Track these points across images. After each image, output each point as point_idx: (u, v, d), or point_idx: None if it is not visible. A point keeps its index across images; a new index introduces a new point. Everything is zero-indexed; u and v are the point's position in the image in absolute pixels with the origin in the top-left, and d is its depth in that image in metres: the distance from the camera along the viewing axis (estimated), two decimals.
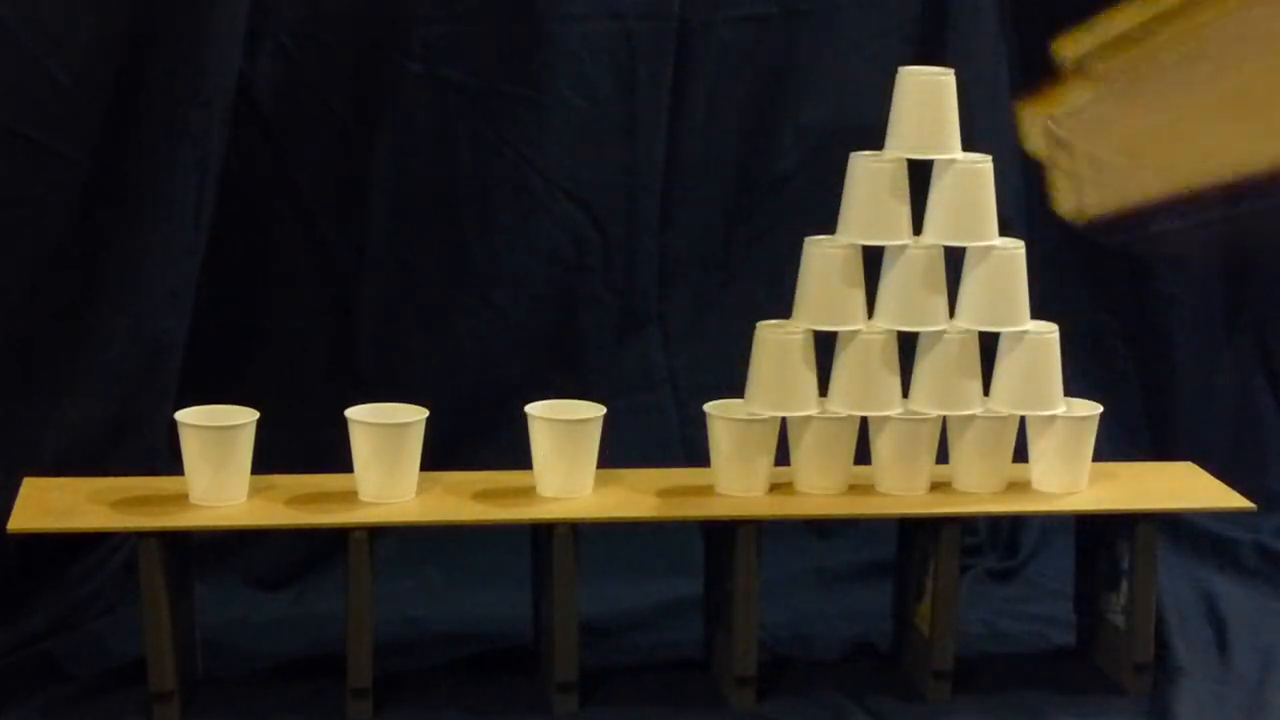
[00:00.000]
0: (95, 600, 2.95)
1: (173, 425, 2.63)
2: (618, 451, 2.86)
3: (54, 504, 2.62)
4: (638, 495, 2.69)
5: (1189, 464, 2.97)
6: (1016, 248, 2.71)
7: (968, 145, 2.69)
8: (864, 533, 3.22)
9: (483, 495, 2.69)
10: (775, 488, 2.71)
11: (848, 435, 2.71)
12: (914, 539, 2.77)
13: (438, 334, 3.21)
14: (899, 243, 2.67)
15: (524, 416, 2.67)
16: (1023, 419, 2.74)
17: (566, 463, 2.65)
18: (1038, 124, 1.18)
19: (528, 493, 2.68)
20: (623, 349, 3.28)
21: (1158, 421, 3.46)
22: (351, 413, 2.63)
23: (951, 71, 2.68)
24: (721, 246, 3.31)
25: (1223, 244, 3.41)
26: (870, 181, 2.66)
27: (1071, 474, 2.74)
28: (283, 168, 3.14)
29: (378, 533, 2.61)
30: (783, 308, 2.73)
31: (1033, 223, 3.28)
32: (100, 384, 3.00)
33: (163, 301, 3.01)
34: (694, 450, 3.03)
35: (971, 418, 2.71)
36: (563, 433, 2.64)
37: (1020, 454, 2.76)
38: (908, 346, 2.71)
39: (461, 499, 2.67)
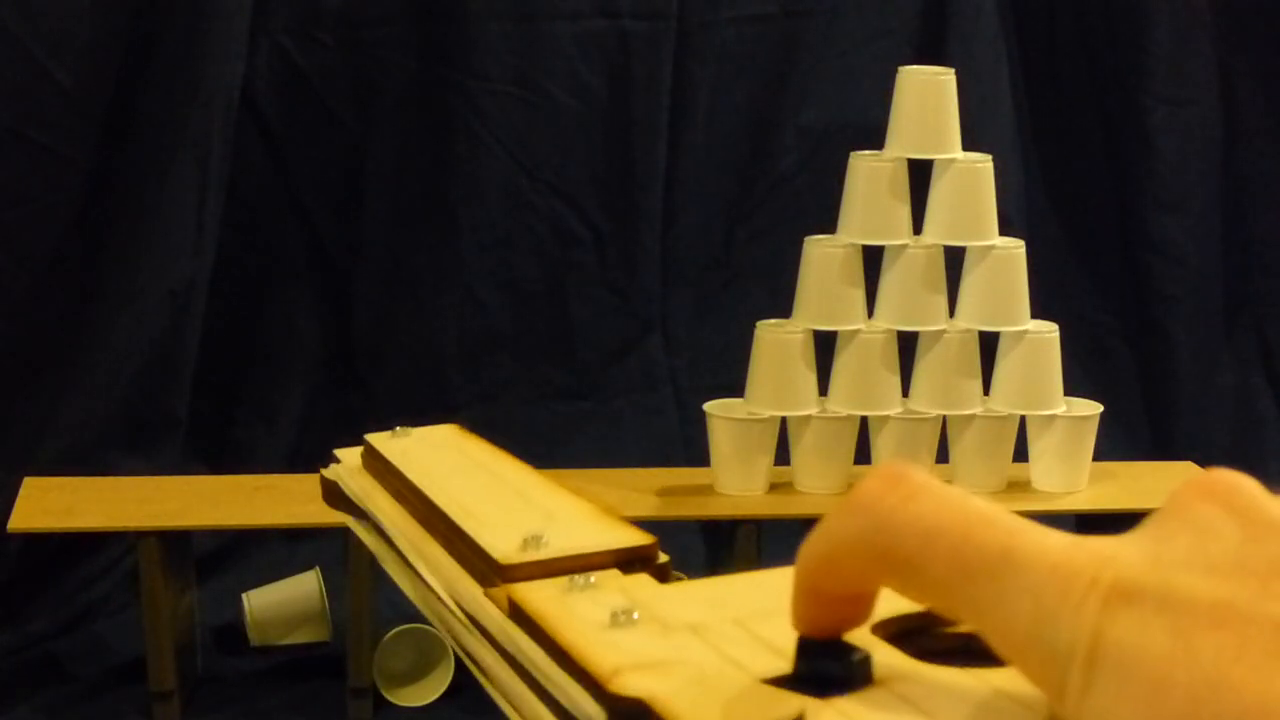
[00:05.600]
0: (105, 603, 2.95)
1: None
2: (618, 451, 2.86)
3: (54, 504, 2.62)
4: (638, 495, 2.69)
5: (1189, 464, 2.97)
6: (1016, 247, 2.71)
7: (968, 145, 2.69)
8: None
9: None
10: (775, 487, 2.71)
11: (848, 435, 2.71)
12: None
13: (433, 333, 3.21)
14: (899, 242, 2.67)
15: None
16: (1023, 419, 2.74)
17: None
18: None
19: None
20: (624, 349, 3.28)
21: (1158, 421, 3.46)
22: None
23: (951, 71, 2.68)
24: (721, 246, 3.31)
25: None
26: (870, 181, 2.66)
27: (1071, 474, 2.75)
28: (281, 167, 3.14)
29: None
30: (783, 308, 2.73)
31: (1033, 222, 3.28)
32: (100, 384, 3.00)
33: (163, 301, 3.01)
34: (694, 450, 3.03)
35: (971, 417, 2.71)
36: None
37: (1020, 454, 2.76)
38: (908, 346, 2.71)
39: None
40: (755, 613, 0.42)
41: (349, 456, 0.61)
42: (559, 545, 0.47)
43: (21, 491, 2.66)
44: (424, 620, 2.66)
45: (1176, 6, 3.33)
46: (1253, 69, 3.39)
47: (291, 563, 3.02)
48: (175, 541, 2.58)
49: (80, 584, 2.97)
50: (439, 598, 0.49)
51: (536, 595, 0.45)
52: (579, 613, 0.43)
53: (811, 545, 0.38)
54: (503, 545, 0.47)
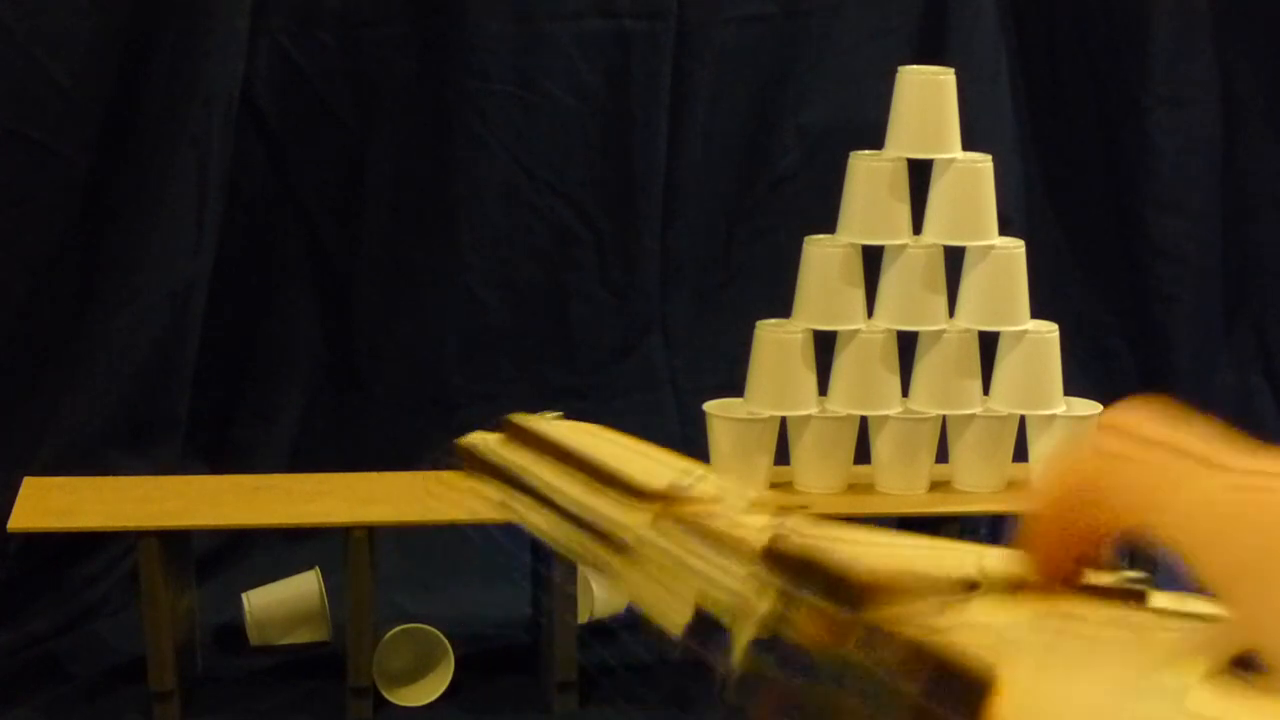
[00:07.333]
0: (105, 603, 2.95)
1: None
2: None
3: (54, 504, 2.62)
4: None
5: None
6: (1016, 247, 2.71)
7: (968, 145, 2.69)
8: None
9: (483, 494, 2.68)
10: (775, 487, 2.71)
11: (847, 435, 2.71)
12: None
13: (433, 333, 3.21)
14: (899, 242, 2.67)
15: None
16: (1023, 419, 2.74)
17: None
18: None
19: None
20: (624, 349, 3.28)
21: None
22: None
23: (951, 71, 2.68)
24: (721, 246, 3.31)
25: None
26: (870, 181, 2.66)
27: None
28: (281, 167, 3.14)
29: (378, 532, 2.61)
30: (783, 308, 2.73)
31: (1033, 221, 3.28)
32: (100, 384, 3.00)
33: (163, 301, 3.01)
34: (694, 450, 3.02)
35: (971, 417, 2.71)
36: None
37: (1020, 454, 2.76)
38: (908, 346, 2.71)
39: (462, 498, 2.67)
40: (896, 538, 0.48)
41: (482, 439, 0.64)
42: (704, 488, 0.53)
43: (21, 491, 2.66)
44: (424, 620, 2.67)
45: (1176, 6, 3.33)
46: (1253, 69, 3.39)
47: (291, 563, 3.02)
48: (175, 541, 2.58)
49: (80, 584, 2.97)
50: (584, 525, 0.53)
51: (687, 509, 0.50)
52: (732, 517, 0.49)
53: (1066, 474, 0.40)
54: (653, 481, 0.53)
